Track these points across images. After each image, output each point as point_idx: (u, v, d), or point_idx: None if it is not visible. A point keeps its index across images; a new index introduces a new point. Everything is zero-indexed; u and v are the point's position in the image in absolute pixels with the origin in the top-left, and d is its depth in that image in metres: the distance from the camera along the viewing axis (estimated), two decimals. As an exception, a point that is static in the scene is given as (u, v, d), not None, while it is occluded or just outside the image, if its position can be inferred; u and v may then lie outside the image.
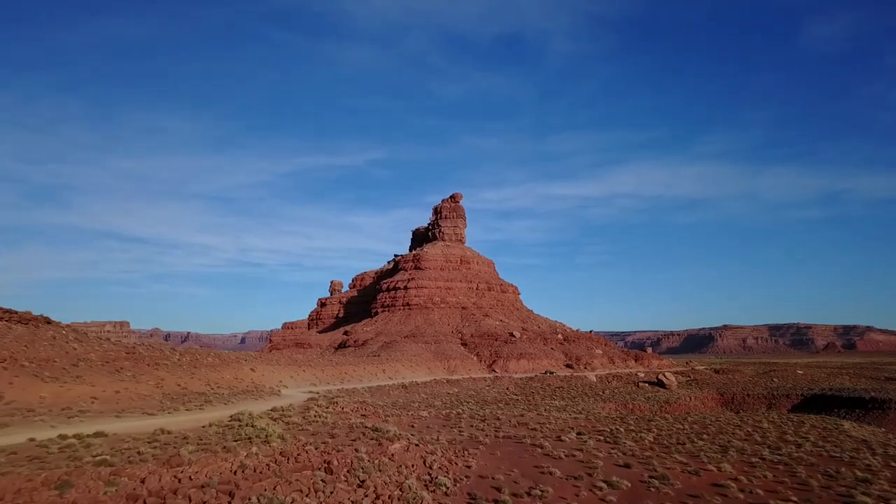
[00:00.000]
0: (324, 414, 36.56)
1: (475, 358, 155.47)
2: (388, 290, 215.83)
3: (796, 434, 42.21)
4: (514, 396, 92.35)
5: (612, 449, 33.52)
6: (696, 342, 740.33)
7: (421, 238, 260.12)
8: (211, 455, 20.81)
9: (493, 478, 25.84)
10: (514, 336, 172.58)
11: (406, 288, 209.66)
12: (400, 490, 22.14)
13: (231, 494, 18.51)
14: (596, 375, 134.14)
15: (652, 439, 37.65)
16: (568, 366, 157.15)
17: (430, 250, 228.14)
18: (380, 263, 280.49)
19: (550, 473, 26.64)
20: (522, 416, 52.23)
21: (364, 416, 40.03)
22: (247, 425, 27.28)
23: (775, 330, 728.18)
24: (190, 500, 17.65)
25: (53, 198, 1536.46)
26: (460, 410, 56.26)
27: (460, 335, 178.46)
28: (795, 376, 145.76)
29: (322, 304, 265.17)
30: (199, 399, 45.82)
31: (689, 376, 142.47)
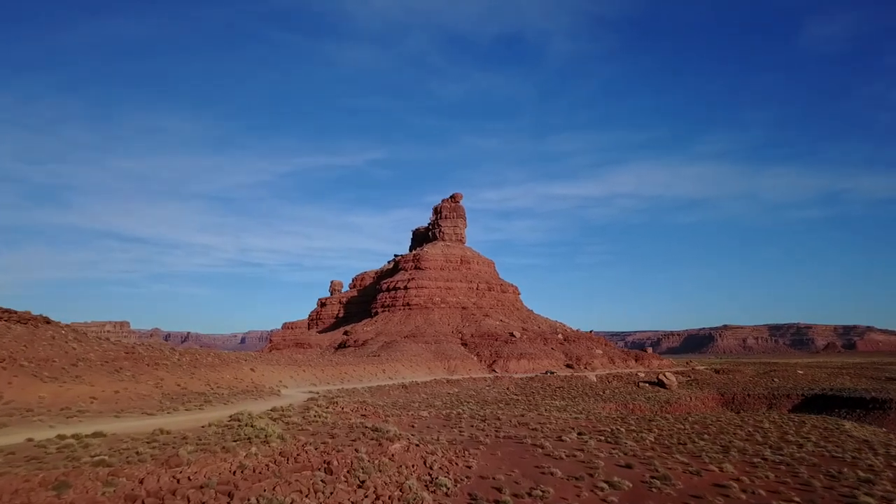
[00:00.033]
0: (324, 414, 36.43)
1: (475, 358, 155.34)
2: (388, 290, 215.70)
3: (798, 434, 42.08)
4: (515, 396, 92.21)
5: (613, 449, 33.38)
6: (696, 342, 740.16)
7: (421, 238, 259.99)
8: (210, 455, 20.68)
9: (493, 478, 25.71)
10: (514, 336, 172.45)
11: (406, 288, 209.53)
12: (400, 490, 22.01)
13: (230, 495, 18.38)
14: (596, 375, 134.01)
15: (653, 439, 37.52)
16: (568, 366, 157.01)
17: (431, 250, 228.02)
18: (380, 263, 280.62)
19: (551, 474, 26.51)
20: (523, 416, 52.10)
21: (364, 416, 39.90)
22: (246, 425, 27.16)
23: (775, 330, 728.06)
24: (189, 501, 17.52)
25: (53, 198, 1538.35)
26: (460, 410, 56.13)
27: (460, 335, 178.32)
28: (796, 376, 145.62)
29: (322, 304, 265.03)
30: (198, 399, 45.69)
31: (689, 376, 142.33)
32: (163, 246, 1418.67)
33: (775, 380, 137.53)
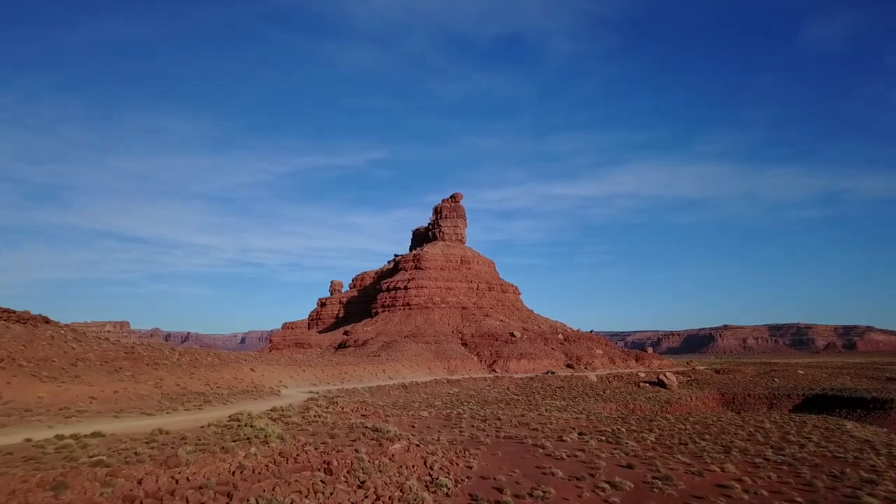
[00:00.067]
0: (323, 414, 36.30)
1: (475, 358, 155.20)
2: (388, 290, 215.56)
3: (799, 434, 41.95)
4: (515, 396, 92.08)
5: (615, 449, 33.25)
6: (697, 342, 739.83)
7: (421, 238, 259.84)
8: (209, 456, 20.55)
9: (494, 478, 25.58)
10: (514, 336, 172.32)
11: (406, 288, 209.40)
12: (400, 491, 21.88)
13: (229, 496, 18.25)
14: (596, 375, 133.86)
15: (654, 440, 37.39)
16: (568, 366, 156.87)
17: (431, 250, 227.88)
18: (380, 263, 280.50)
19: (552, 474, 26.38)
20: (523, 416, 51.97)
21: (364, 416, 39.77)
22: (246, 425, 27.03)
23: (775, 330, 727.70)
24: (187, 502, 17.39)
25: (53, 198, 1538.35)
26: (461, 410, 56.00)
27: (461, 335, 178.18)
28: (796, 376, 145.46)
29: (322, 304, 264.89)
30: (198, 399, 45.56)
31: (689, 376, 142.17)
32: (163, 246, 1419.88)
33: (776, 380, 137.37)
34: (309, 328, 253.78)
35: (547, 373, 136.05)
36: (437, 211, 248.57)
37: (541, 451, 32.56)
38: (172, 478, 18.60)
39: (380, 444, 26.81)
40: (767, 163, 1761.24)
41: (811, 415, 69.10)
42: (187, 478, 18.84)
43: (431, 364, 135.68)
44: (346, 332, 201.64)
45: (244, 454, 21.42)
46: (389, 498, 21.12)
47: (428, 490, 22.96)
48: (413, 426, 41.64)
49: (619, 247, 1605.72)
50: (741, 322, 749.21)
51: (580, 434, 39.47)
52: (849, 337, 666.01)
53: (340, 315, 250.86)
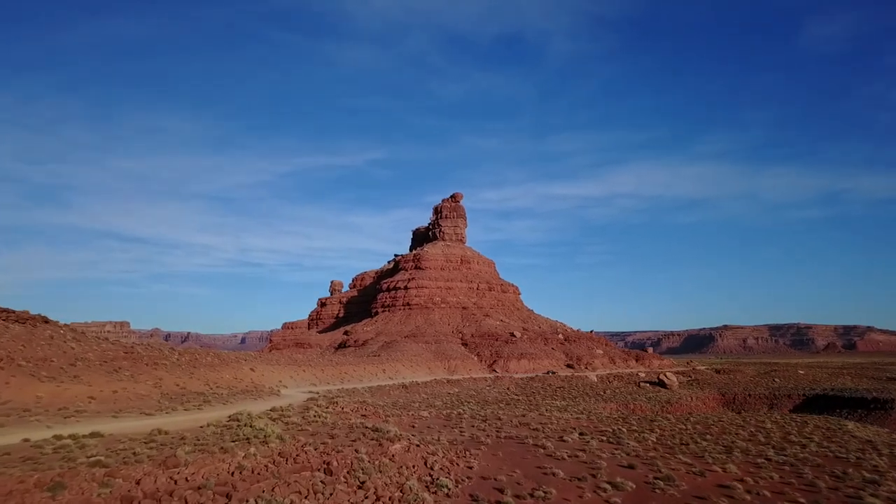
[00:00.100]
0: (323, 414, 36.17)
1: (476, 358, 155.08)
2: (388, 289, 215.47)
3: (800, 434, 41.83)
4: (515, 396, 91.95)
5: (616, 450, 33.12)
6: (697, 342, 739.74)
7: (421, 238, 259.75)
8: (208, 456, 20.41)
9: (495, 479, 25.45)
10: (514, 336, 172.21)
11: (406, 288, 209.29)
12: (401, 491, 21.75)
13: (228, 496, 18.11)
14: (597, 375, 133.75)
15: (655, 440, 37.27)
16: (569, 366, 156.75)
17: (431, 250, 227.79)
18: (380, 263, 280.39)
19: (553, 474, 26.24)
20: (524, 416, 51.85)
21: (364, 416, 39.64)
22: (245, 425, 26.90)
23: (776, 330, 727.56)
24: (186, 502, 17.25)
25: (53, 198, 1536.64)
26: (461, 410, 55.87)
27: (461, 335, 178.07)
28: (797, 376, 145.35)
29: (322, 304, 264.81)
30: (197, 399, 45.44)
31: (690, 376, 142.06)
32: (163, 246, 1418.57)
33: (776, 380, 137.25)
34: (309, 328, 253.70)
35: (548, 373, 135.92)
36: (438, 211, 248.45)
37: (542, 451, 32.43)
38: (171, 478, 18.46)
39: (380, 445, 26.68)
40: (767, 163, 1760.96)
41: (812, 415, 68.99)
42: (186, 478, 18.70)
43: (431, 364, 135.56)
44: (346, 332, 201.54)
45: (243, 454, 21.29)
46: (390, 498, 20.99)
47: (428, 490, 22.82)
48: (413, 426, 41.51)
49: (619, 247, 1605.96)
50: (741, 322, 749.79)
51: (581, 434, 39.34)
52: (849, 337, 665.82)
53: (340, 315, 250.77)
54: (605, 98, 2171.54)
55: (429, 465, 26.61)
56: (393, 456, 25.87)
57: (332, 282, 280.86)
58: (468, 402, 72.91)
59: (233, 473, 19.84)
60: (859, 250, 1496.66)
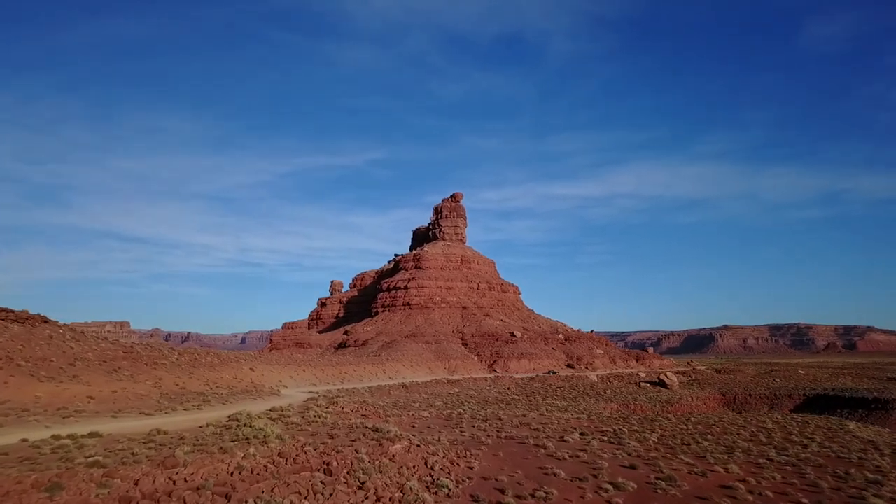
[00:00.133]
0: (323, 414, 36.03)
1: (476, 358, 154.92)
2: (388, 289, 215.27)
3: (802, 434, 41.70)
4: (516, 396, 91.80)
5: (617, 450, 32.99)
6: (697, 342, 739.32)
7: (421, 238, 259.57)
8: (207, 456, 20.28)
9: (496, 479, 25.32)
10: (514, 336, 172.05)
11: (406, 288, 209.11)
12: (401, 492, 21.61)
13: (227, 497, 17.98)
14: (597, 375, 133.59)
15: (656, 440, 37.13)
16: (569, 366, 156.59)
17: (431, 250, 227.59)
18: (380, 263, 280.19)
19: (555, 475, 26.11)
20: (524, 416, 51.71)
21: (364, 416, 39.49)
22: (245, 425, 26.76)
23: (776, 330, 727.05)
24: (184, 503, 17.12)
25: (53, 198, 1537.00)
26: (461, 410, 55.73)
27: (461, 335, 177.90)
28: (797, 376, 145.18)
29: (322, 303, 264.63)
30: (197, 399, 45.30)
31: (690, 376, 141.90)
32: (163, 246, 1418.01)
33: (777, 380, 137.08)
34: (309, 328, 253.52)
35: (549, 373, 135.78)
36: (438, 210, 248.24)
37: (542, 451, 32.30)
38: (170, 479, 18.33)
39: (380, 445, 26.54)
40: (767, 163, 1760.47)
41: (813, 415, 68.84)
42: (185, 479, 18.57)
43: (432, 364, 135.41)
44: (346, 332, 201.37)
45: (243, 455, 21.15)
46: (390, 499, 20.85)
47: (429, 491, 22.69)
48: (413, 426, 41.37)
49: (619, 247, 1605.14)
50: (741, 322, 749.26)
51: (582, 434, 39.21)
52: (849, 337, 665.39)
53: (340, 315, 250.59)
54: (605, 98, 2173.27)
55: (429, 466, 26.47)
56: (393, 456, 25.73)
57: (332, 282, 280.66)
58: (468, 402, 72.76)
59: (232, 474, 19.71)
60: (859, 250, 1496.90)
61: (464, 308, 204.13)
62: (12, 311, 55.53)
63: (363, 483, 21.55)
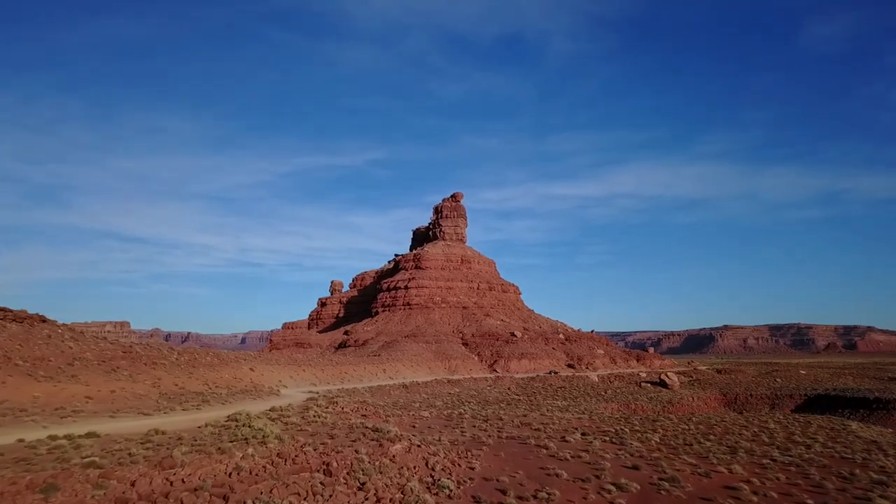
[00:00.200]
0: (323, 414, 35.77)
1: (476, 358, 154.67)
2: (388, 289, 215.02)
3: (804, 435, 41.44)
4: (516, 396, 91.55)
5: (619, 450, 32.73)
6: (697, 342, 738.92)
7: (421, 238, 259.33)
8: (205, 457, 20.02)
9: (497, 480, 25.06)
10: (515, 336, 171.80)
11: (407, 287, 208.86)
12: (401, 493, 21.36)
13: (225, 498, 17.73)
14: (598, 375, 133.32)
15: (658, 440, 36.87)
16: (570, 366, 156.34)
17: (431, 250, 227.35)
18: (380, 263, 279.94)
19: (557, 475, 25.85)
20: (525, 416, 51.46)
21: (364, 416, 39.23)
22: (243, 426, 26.50)
23: (776, 330, 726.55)
24: (182, 504, 16.86)
25: (53, 198, 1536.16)
26: (462, 410, 55.49)
27: (461, 335, 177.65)
28: (798, 376, 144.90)
29: (322, 303, 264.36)
30: (196, 399, 45.06)
31: (691, 376, 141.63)
32: (163, 246, 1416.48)
33: (777, 380, 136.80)
34: (309, 328, 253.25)
35: (550, 372, 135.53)
36: (438, 210, 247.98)
37: (544, 451, 32.04)
38: (167, 479, 18.08)
39: (380, 445, 26.28)
40: (767, 163, 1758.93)
41: (815, 415, 68.57)
42: (182, 479, 18.32)
43: (432, 364, 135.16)
44: (346, 332, 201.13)
45: (241, 455, 20.89)
46: (390, 500, 20.60)
47: (430, 492, 22.43)
48: (414, 426, 41.12)
49: (619, 247, 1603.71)
50: (741, 322, 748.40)
51: (583, 434, 38.95)
52: (849, 337, 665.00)
53: (341, 315, 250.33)
54: (605, 98, 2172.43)
55: (430, 466, 26.22)
56: (393, 457, 25.47)
57: (332, 282, 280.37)
58: (469, 403, 72.51)
59: (230, 475, 19.45)
60: (859, 250, 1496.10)
61: (464, 308, 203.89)
62: (10, 311, 55.27)
63: (363, 484, 21.30)
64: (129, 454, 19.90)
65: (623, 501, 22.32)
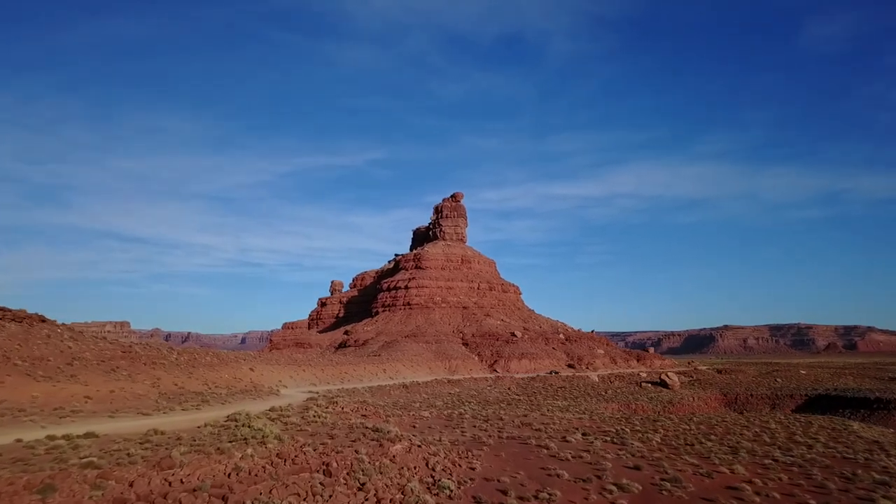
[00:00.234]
0: (323, 414, 35.63)
1: (476, 358, 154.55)
2: (388, 289, 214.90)
3: (805, 435, 41.31)
4: (517, 396, 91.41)
5: (620, 450, 32.60)
6: (697, 342, 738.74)
7: (422, 237, 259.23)
8: (204, 457, 19.89)
9: (498, 480, 24.93)
10: (515, 336, 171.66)
11: (407, 287, 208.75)
12: (402, 493, 21.22)
13: (224, 498, 17.60)
14: (598, 375, 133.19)
15: (659, 440, 36.74)
16: (570, 366, 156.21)
17: (431, 249, 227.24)
18: (380, 263, 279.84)
19: (557, 476, 25.71)
20: (526, 416, 51.33)
21: (364, 416, 39.09)
22: (243, 426, 26.37)
23: (776, 330, 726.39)
24: (180, 505, 16.73)
25: (53, 198, 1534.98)
26: (462, 411, 55.36)
27: (461, 335, 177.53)
28: (799, 376, 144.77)
29: (322, 303, 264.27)
30: (195, 399, 44.93)
31: (691, 376, 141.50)
32: (163, 246, 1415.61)
33: (778, 380, 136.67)
34: (309, 328, 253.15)
35: (550, 372, 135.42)
36: (438, 210, 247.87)
37: (545, 451, 31.91)
38: (165, 480, 17.95)
39: (380, 445, 26.15)
40: (767, 163, 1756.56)
41: (816, 415, 68.41)
42: (181, 480, 18.18)
43: (432, 364, 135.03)
44: (346, 332, 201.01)
45: (240, 455, 20.76)
46: (390, 500, 20.46)
47: (430, 492, 22.30)
48: (414, 426, 40.98)
49: (619, 247, 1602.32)
50: (741, 322, 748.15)
51: (584, 434, 38.82)
52: (849, 337, 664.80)
53: (341, 315, 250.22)
54: (605, 98, 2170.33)
55: (430, 467, 26.08)
56: (394, 457, 25.34)
57: (332, 282, 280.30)
58: (469, 403, 72.39)
59: (229, 475, 19.32)
60: (859, 250, 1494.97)
61: (464, 308, 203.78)
62: (10, 311, 55.13)
63: (363, 484, 21.17)
64: (128, 454, 19.77)
65: (625, 502, 22.20)
